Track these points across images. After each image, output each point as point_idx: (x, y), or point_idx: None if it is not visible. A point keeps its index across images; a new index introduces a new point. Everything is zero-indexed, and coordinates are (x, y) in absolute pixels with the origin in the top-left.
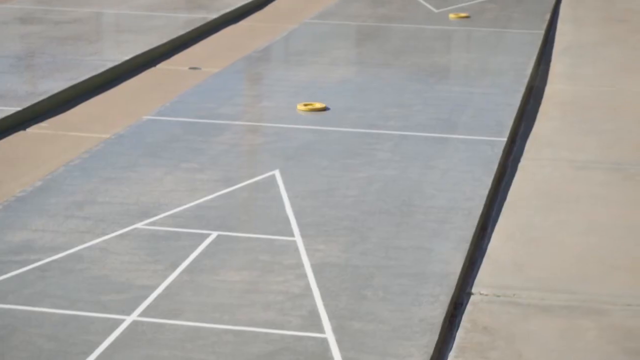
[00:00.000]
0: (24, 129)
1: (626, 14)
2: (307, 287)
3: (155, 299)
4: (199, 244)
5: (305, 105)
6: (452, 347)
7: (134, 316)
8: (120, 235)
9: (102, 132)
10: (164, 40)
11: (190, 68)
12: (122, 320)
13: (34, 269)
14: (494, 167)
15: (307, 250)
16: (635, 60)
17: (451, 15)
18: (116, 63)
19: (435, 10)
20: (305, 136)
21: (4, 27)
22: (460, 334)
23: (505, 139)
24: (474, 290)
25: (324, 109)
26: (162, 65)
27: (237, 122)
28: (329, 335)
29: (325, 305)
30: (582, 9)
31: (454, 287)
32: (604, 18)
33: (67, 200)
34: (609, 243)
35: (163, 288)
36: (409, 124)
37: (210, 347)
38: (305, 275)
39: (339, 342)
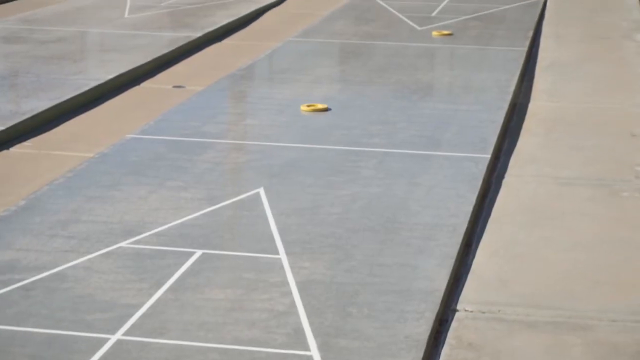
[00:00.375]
0: (8, 148)
1: (607, 31)
2: (292, 304)
3: (140, 317)
4: (183, 263)
5: (309, 106)
6: None
7: (119, 335)
8: (105, 254)
9: (86, 151)
10: (148, 59)
11: (174, 86)
12: (107, 340)
13: (17, 288)
14: (478, 183)
15: (292, 267)
16: (617, 76)
17: (434, 33)
18: (100, 82)
19: (419, 28)
20: (289, 154)
21: None
22: (445, 351)
23: (489, 156)
24: (459, 306)
25: (326, 110)
26: (146, 84)
27: (221, 140)
28: (314, 352)
29: (311, 323)
30: (564, 26)
31: (439, 304)
32: (586, 35)
33: (51, 220)
34: (593, 259)
35: (148, 307)
36: (393, 141)
37: None
38: (290, 293)
39: (324, 359)
